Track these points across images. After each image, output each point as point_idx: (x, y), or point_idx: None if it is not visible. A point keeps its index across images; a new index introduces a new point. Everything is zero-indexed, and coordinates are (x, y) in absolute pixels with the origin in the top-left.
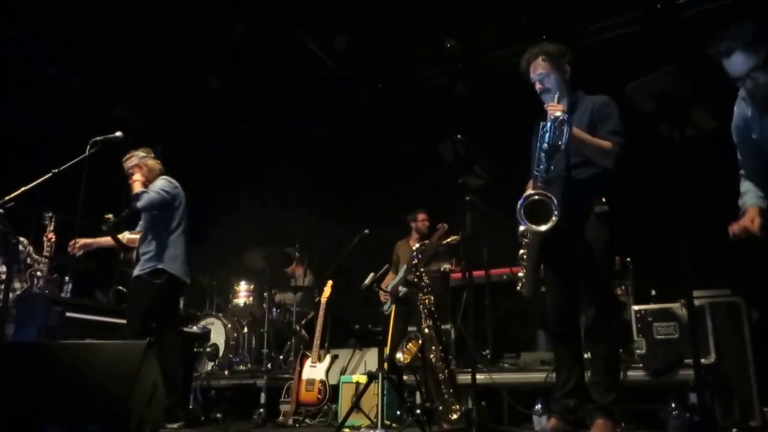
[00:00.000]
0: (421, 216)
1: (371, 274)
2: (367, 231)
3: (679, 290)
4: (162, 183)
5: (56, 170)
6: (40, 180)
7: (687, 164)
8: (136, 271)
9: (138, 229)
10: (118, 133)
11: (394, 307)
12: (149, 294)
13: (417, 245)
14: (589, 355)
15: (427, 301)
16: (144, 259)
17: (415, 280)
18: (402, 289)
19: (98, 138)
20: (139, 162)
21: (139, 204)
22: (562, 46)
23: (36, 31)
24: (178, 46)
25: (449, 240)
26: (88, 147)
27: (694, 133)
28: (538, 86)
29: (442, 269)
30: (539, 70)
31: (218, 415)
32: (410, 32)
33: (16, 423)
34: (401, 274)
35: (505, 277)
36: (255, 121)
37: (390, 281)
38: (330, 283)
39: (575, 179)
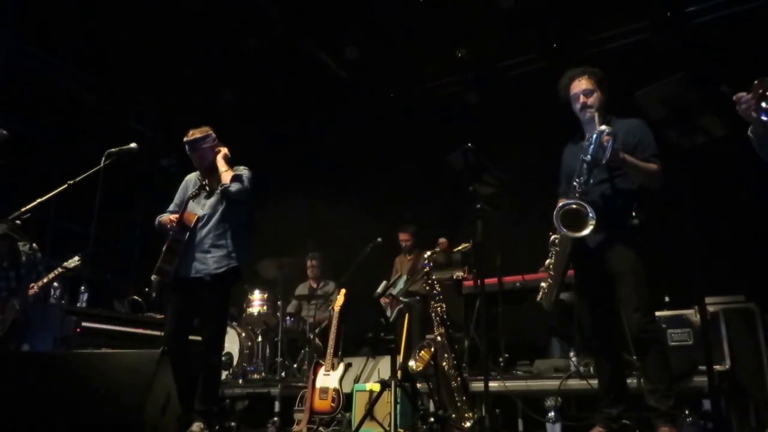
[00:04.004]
0: (402, 236)
1: (383, 282)
2: (380, 239)
3: (692, 296)
4: (246, 171)
5: (71, 181)
6: (55, 191)
7: (701, 170)
8: (210, 269)
9: (200, 212)
10: (133, 145)
11: (397, 314)
12: (228, 297)
13: (428, 253)
14: (640, 364)
15: (439, 308)
16: (219, 256)
17: (427, 288)
18: (403, 300)
19: (113, 150)
20: (216, 142)
21: (240, 189)
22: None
23: (51, 47)
24: (192, 59)
25: (460, 248)
26: (103, 158)
27: (704, 140)
28: (581, 100)
29: (454, 277)
30: (584, 86)
31: (232, 423)
32: (421, 43)
33: None
34: (400, 285)
35: (517, 284)
36: (268, 132)
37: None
38: (343, 291)
39: (612, 193)
